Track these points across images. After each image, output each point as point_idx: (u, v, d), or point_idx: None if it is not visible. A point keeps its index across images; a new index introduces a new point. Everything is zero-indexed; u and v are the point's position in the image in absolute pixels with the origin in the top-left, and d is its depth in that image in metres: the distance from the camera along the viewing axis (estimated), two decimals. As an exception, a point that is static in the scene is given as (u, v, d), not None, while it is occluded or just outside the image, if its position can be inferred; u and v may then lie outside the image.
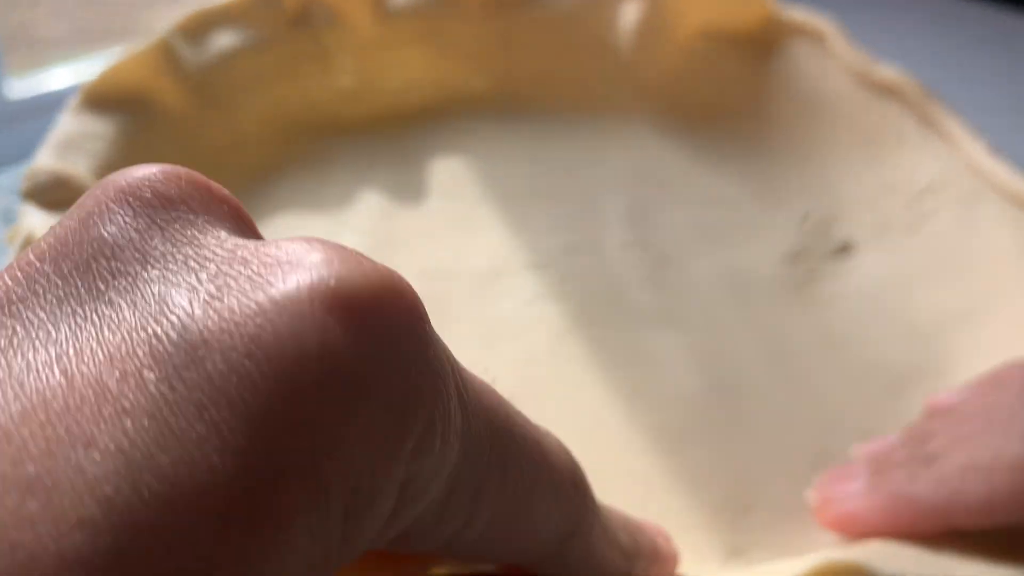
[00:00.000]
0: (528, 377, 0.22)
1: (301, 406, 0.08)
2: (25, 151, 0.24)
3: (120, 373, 0.07)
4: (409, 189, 0.29)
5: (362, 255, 0.09)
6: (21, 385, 0.07)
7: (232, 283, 0.08)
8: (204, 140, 0.27)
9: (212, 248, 0.09)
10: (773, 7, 0.31)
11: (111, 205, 0.09)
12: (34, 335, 0.08)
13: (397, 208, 0.28)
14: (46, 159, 0.22)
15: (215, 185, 0.10)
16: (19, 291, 0.08)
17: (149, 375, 0.07)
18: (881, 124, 0.29)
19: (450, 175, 0.29)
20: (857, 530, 0.18)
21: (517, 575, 0.13)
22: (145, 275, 0.08)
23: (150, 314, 0.08)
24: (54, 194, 0.20)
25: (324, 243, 0.09)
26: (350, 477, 0.08)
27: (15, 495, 0.07)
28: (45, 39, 0.43)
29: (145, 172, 0.10)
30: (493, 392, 0.11)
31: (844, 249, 0.28)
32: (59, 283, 0.08)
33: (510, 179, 0.29)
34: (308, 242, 0.09)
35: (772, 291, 0.26)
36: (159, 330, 0.08)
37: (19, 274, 0.09)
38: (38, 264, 0.09)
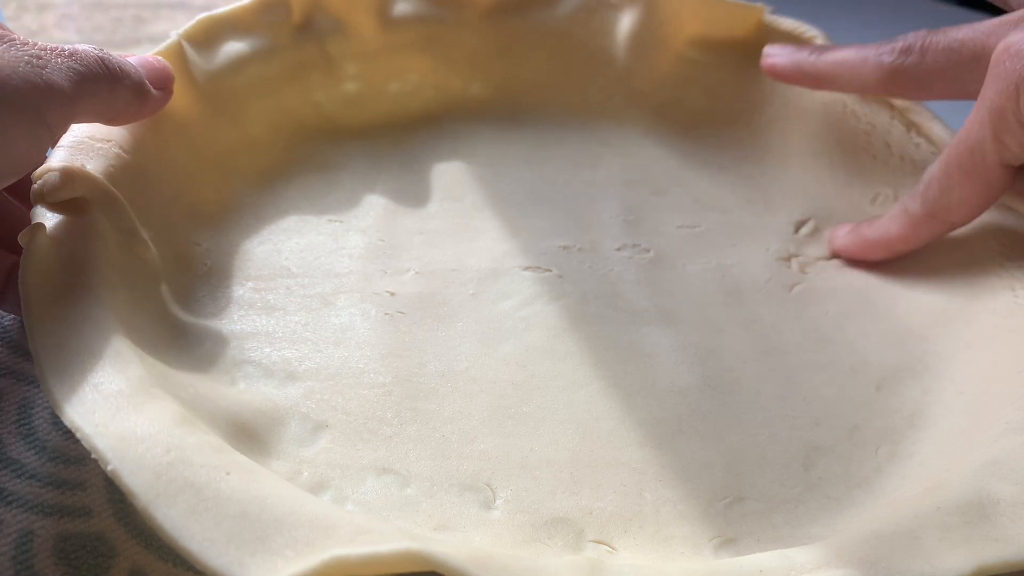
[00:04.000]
0: (527, 374, 0.23)
1: None
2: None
3: None
4: (412, 192, 0.29)
5: None
6: None
7: None
8: (213, 144, 0.27)
9: None
10: (766, 17, 0.32)
11: None
12: None
13: (400, 210, 0.28)
14: (58, 162, 0.22)
15: None
16: None
17: None
18: (869, 130, 0.30)
19: (451, 178, 0.30)
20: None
21: None
22: None
23: None
24: (64, 196, 0.21)
25: None
26: None
27: None
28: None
29: None
30: None
31: (834, 253, 0.28)
32: None
33: (509, 183, 0.30)
34: None
35: (763, 291, 0.27)
36: None
37: None
38: None
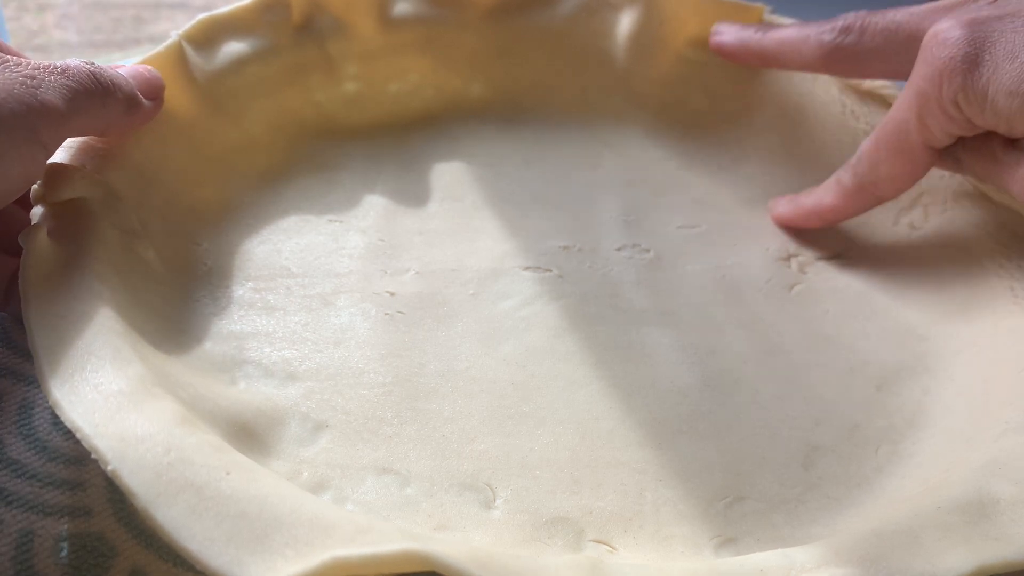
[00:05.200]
0: (527, 374, 0.23)
1: None
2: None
3: None
4: (412, 192, 0.29)
5: None
6: None
7: None
8: (214, 144, 0.27)
9: None
10: (766, 17, 0.32)
11: None
12: None
13: (400, 210, 0.28)
14: (58, 162, 0.22)
15: None
16: None
17: None
18: (868, 130, 0.30)
19: (451, 179, 0.30)
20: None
21: None
22: None
23: None
24: (64, 196, 0.21)
25: None
26: None
27: None
28: (54, 45, 0.44)
29: None
30: None
31: (835, 254, 0.28)
32: None
33: (509, 183, 0.30)
34: None
35: (763, 291, 0.27)
36: None
37: None
38: None
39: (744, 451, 0.21)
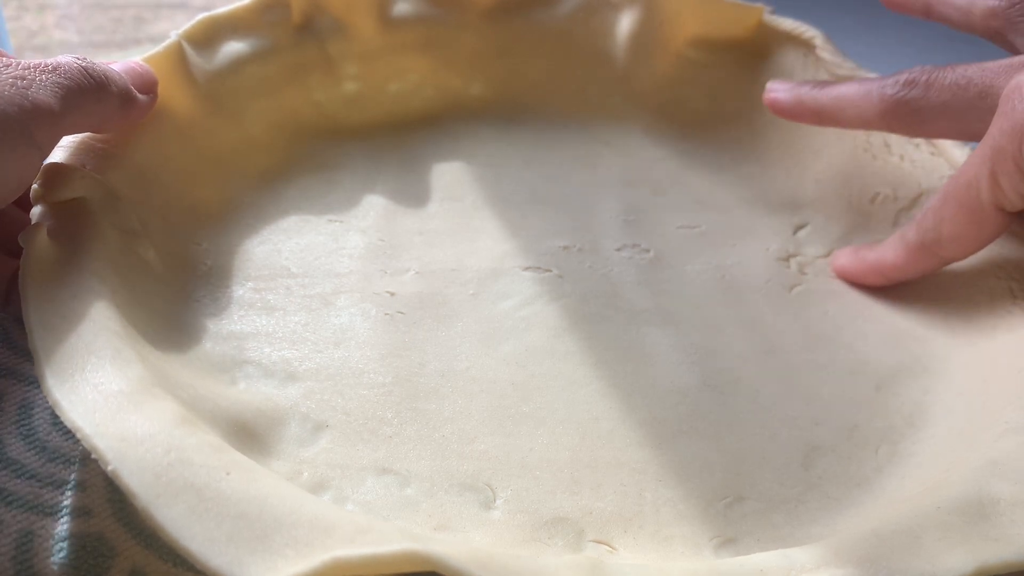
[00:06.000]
0: (527, 373, 0.23)
1: None
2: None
3: None
4: (412, 192, 0.29)
5: None
6: None
7: None
8: (213, 144, 0.27)
9: None
10: (765, 17, 0.32)
11: None
12: None
13: (400, 210, 0.28)
14: (58, 162, 0.22)
15: None
16: None
17: None
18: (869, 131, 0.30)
19: (451, 178, 0.30)
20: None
21: None
22: None
23: None
24: (64, 196, 0.21)
25: None
26: None
27: None
28: (54, 45, 0.44)
29: None
30: None
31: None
32: None
33: (509, 183, 0.30)
34: None
35: (763, 292, 0.27)
36: None
37: None
38: None
39: (744, 451, 0.21)
